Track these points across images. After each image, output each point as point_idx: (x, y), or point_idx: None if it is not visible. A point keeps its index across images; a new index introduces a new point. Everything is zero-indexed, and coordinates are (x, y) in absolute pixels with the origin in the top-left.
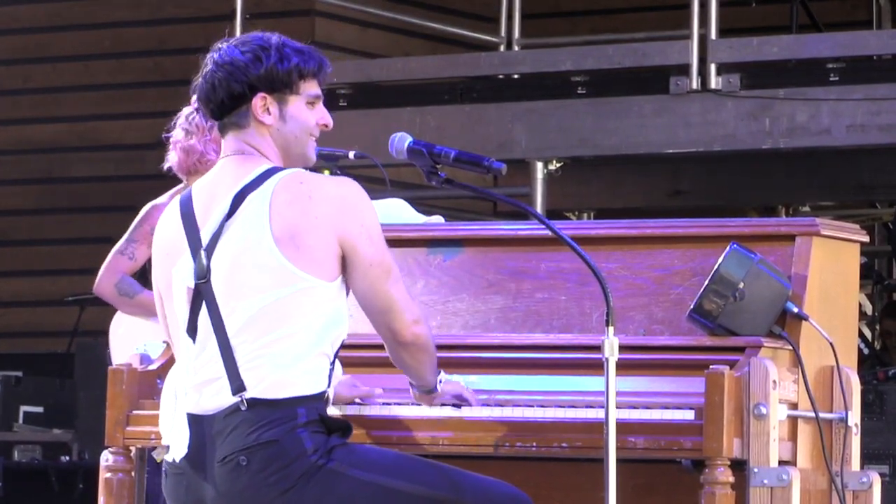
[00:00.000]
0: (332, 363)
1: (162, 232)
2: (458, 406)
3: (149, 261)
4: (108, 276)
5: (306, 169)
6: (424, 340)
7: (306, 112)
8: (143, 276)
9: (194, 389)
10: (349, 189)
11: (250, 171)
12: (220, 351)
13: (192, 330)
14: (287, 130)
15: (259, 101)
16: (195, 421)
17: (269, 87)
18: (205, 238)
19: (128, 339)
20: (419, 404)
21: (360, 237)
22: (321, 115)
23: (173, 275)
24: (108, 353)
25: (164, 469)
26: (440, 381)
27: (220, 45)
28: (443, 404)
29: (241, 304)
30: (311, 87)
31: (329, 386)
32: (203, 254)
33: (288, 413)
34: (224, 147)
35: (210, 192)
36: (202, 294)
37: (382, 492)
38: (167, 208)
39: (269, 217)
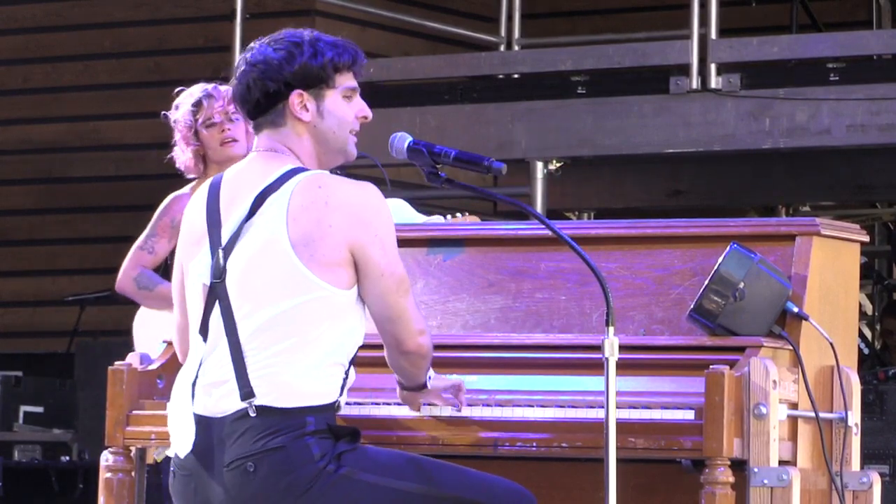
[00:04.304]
0: (347, 372)
1: (188, 218)
2: (455, 407)
3: (171, 253)
4: (128, 270)
5: (332, 171)
6: (426, 351)
7: (343, 106)
8: (167, 269)
9: (202, 390)
10: (366, 196)
11: (274, 171)
12: (231, 354)
13: (203, 329)
14: (325, 126)
15: (296, 98)
16: (202, 422)
17: (305, 83)
18: (224, 236)
19: (152, 335)
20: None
21: (372, 246)
22: (359, 108)
23: (190, 269)
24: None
25: (171, 468)
26: (429, 378)
27: (253, 45)
28: (429, 404)
29: (255, 308)
30: (347, 80)
31: (341, 395)
32: (221, 253)
33: (297, 422)
34: (256, 143)
35: (235, 187)
36: (216, 293)
37: (394, 494)
38: (196, 194)
39: (287, 221)
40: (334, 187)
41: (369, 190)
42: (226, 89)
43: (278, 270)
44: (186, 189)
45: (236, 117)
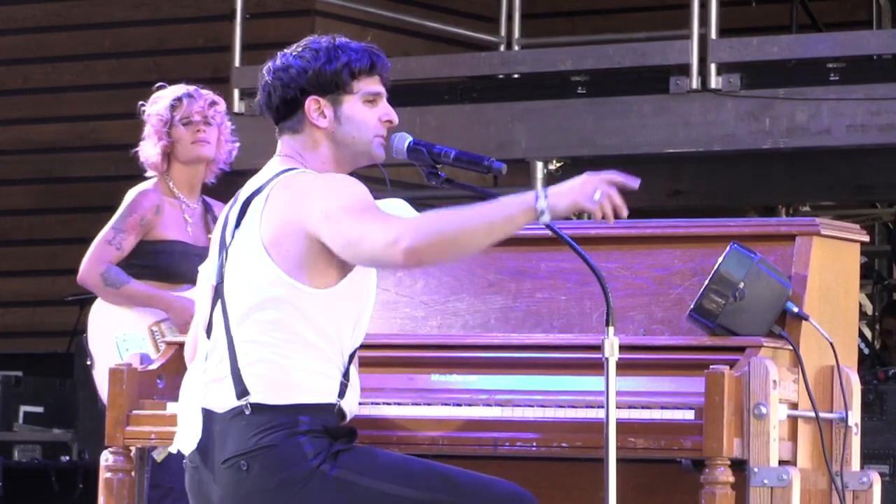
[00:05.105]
0: (345, 376)
1: (217, 224)
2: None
3: (133, 250)
4: (94, 265)
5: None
6: (421, 253)
7: (364, 111)
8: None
9: (205, 386)
10: (318, 179)
11: (271, 174)
12: (228, 351)
13: (208, 327)
14: (344, 132)
15: (312, 104)
16: (206, 416)
17: (321, 90)
18: (228, 238)
19: (107, 330)
20: (419, 404)
21: (312, 211)
22: (384, 112)
23: (200, 270)
24: (84, 339)
25: (184, 462)
26: (540, 210)
27: (277, 54)
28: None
29: (241, 304)
30: (368, 85)
31: (341, 399)
32: (224, 254)
33: (290, 420)
34: (278, 148)
35: (248, 191)
36: (220, 293)
37: (387, 499)
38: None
39: (261, 222)
40: (295, 184)
41: (328, 176)
42: (206, 93)
43: (257, 270)
44: (149, 185)
45: (213, 121)
